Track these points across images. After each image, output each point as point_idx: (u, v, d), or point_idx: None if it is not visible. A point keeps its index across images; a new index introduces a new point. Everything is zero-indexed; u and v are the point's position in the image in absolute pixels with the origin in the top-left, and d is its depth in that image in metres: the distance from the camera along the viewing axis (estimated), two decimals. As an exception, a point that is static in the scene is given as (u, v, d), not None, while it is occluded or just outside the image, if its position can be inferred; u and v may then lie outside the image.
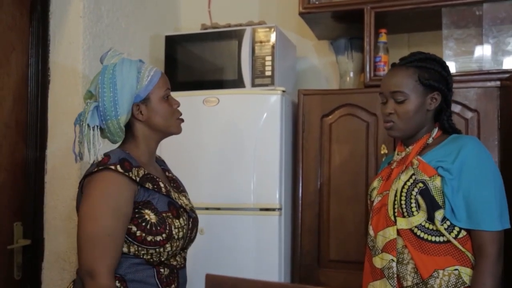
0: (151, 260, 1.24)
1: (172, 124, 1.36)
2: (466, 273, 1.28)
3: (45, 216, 1.96)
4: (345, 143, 1.96)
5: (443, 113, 1.42)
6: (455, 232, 1.30)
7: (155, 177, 1.31)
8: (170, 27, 2.62)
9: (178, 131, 1.39)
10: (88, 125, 1.25)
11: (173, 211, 1.30)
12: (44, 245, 1.96)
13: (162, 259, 1.26)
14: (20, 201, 1.90)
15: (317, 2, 2.11)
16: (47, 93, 1.98)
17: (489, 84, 1.77)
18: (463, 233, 1.30)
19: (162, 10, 2.54)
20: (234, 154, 2.01)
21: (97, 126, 1.27)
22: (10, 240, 1.85)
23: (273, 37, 2.04)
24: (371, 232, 1.43)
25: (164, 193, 1.30)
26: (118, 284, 1.20)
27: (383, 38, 2.04)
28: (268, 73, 2.04)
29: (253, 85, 2.05)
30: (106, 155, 1.25)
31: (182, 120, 1.40)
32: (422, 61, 1.40)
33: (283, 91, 1.99)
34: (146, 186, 1.26)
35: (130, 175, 1.22)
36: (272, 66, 2.03)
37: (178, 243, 1.28)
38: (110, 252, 1.18)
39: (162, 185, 1.31)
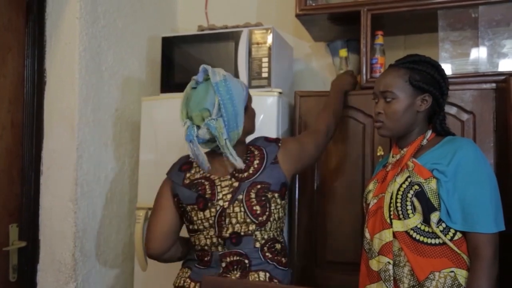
0: None
1: (255, 126, 1.56)
2: (462, 275, 1.29)
3: (40, 217, 1.96)
4: (341, 144, 1.96)
5: (436, 116, 1.43)
6: (450, 234, 1.30)
7: None
8: (167, 28, 2.62)
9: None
10: (226, 140, 1.39)
11: None
12: (39, 247, 1.95)
13: None
14: (16, 202, 1.90)
15: (313, 4, 2.11)
16: (43, 94, 1.97)
17: (484, 86, 1.78)
18: (459, 235, 1.31)
19: (159, 11, 2.54)
20: (231, 155, 2.00)
21: (228, 139, 1.40)
22: (5, 242, 1.85)
23: (269, 38, 2.04)
24: (367, 235, 1.43)
25: None
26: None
27: (379, 40, 2.04)
28: (264, 74, 2.04)
29: (250, 86, 2.05)
30: (263, 137, 1.58)
31: None
32: (415, 63, 1.41)
33: (280, 93, 1.99)
34: None
35: None
36: (269, 67, 2.03)
37: None
38: None
39: None
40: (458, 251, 1.29)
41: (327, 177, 1.98)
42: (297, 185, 2.01)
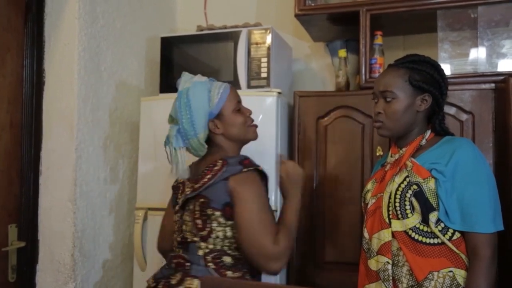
0: None
1: (247, 132, 1.50)
2: (460, 275, 1.29)
3: (39, 217, 1.95)
4: (340, 144, 1.97)
5: (435, 115, 1.43)
6: (449, 234, 1.30)
7: None
8: (166, 29, 2.62)
9: (254, 137, 1.53)
10: (175, 148, 1.44)
11: None
12: (38, 247, 1.95)
13: None
14: (15, 202, 1.90)
15: (312, 4, 2.12)
16: (42, 94, 1.97)
17: (484, 86, 1.78)
18: (457, 235, 1.31)
19: (158, 11, 2.54)
20: (230, 155, 2.00)
21: (182, 147, 1.45)
22: (4, 242, 1.85)
23: (269, 38, 2.04)
24: (366, 234, 1.44)
25: None
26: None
27: (378, 40, 2.04)
28: (264, 74, 2.04)
29: (249, 86, 2.05)
30: (245, 157, 1.42)
31: (256, 126, 1.54)
32: (415, 63, 1.41)
33: (279, 93, 1.99)
34: None
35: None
36: (268, 67, 2.03)
37: None
38: None
39: None
40: (457, 251, 1.29)
41: (326, 177, 1.98)
42: (296, 185, 2.01)
